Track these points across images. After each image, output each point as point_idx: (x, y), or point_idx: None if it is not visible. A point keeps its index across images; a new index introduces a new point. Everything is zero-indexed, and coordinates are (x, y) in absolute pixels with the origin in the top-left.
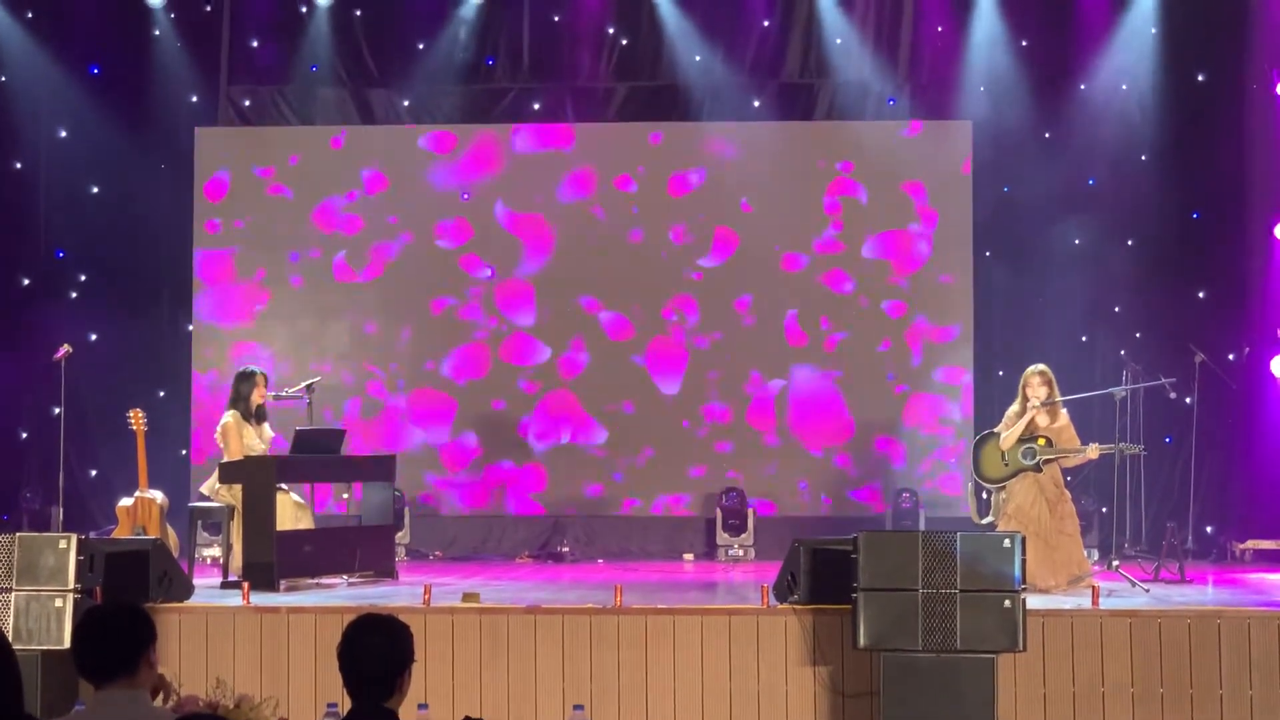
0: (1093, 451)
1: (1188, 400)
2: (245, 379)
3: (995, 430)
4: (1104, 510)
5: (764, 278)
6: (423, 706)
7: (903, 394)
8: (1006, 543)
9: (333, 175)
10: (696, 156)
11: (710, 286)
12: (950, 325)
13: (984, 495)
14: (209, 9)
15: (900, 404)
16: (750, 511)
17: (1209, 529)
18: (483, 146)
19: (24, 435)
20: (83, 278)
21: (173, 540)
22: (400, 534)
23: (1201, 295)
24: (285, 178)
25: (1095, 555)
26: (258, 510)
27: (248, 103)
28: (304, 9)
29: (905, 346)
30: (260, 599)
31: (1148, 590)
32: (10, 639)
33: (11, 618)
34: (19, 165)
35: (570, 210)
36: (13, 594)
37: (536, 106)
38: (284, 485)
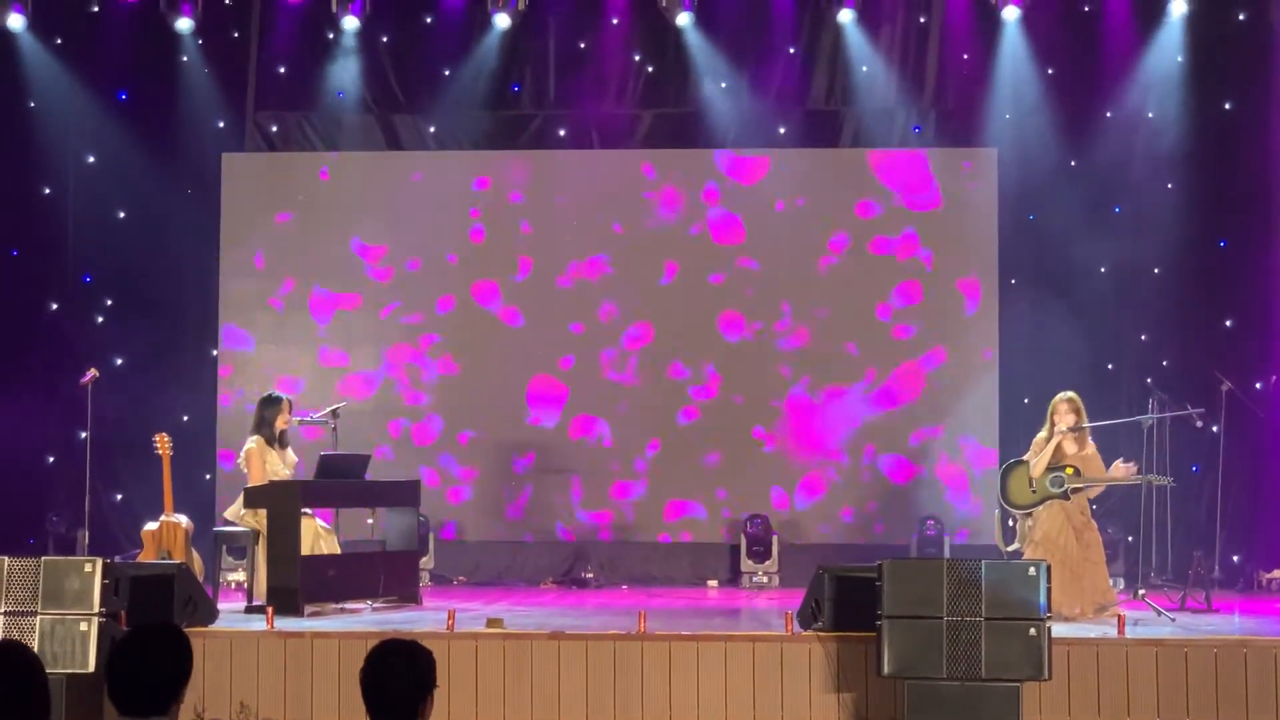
0: (1117, 469)
1: (1214, 429)
2: (270, 404)
3: (1023, 458)
4: (1130, 539)
5: (788, 305)
6: None
7: (927, 420)
8: (1032, 571)
9: (358, 200)
10: (722, 183)
11: (734, 314)
12: (975, 352)
13: (1009, 523)
14: (236, 35)
15: (925, 430)
16: (775, 538)
17: (1235, 558)
18: (509, 171)
19: (50, 459)
20: (110, 302)
21: (198, 564)
22: (424, 559)
23: (1228, 323)
24: (311, 203)
25: (1121, 584)
26: (282, 535)
27: (274, 128)
28: (331, 35)
29: (930, 373)
30: (284, 624)
31: (1174, 619)
32: None
33: (37, 641)
34: (48, 190)
35: (601, 237)
36: (38, 617)
37: (562, 133)
38: (308, 510)
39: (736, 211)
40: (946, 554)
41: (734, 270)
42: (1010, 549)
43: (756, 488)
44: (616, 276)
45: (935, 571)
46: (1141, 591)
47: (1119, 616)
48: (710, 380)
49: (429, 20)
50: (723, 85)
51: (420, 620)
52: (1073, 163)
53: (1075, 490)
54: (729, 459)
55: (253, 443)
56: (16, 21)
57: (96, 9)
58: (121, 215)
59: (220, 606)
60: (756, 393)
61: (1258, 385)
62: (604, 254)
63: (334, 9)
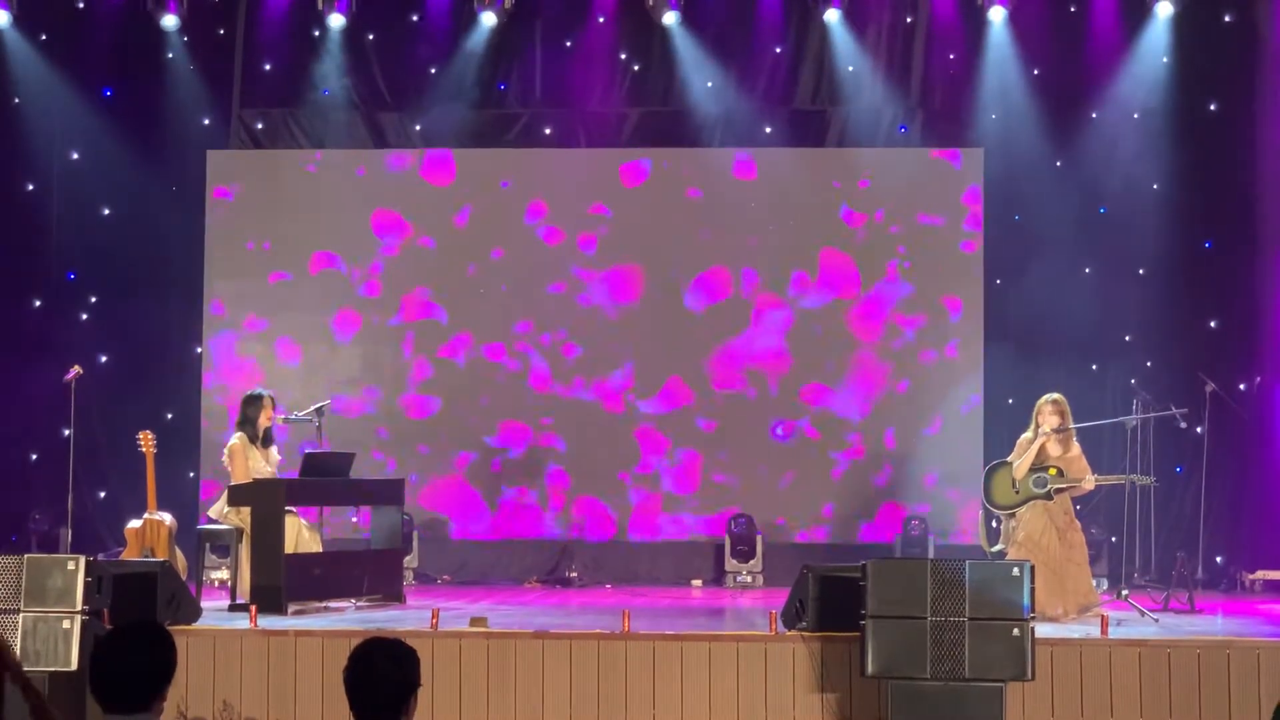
0: (1089, 483)
1: (1198, 429)
2: (253, 402)
3: (1006, 459)
4: (1113, 539)
5: (773, 304)
6: None
7: (912, 421)
8: (1015, 571)
9: (343, 198)
10: (708, 183)
11: (719, 313)
12: (960, 352)
13: (993, 523)
14: (222, 32)
15: (909, 430)
16: (759, 538)
17: (1219, 559)
18: (494, 169)
19: (34, 457)
20: (93, 299)
21: (181, 563)
22: (409, 558)
23: (1213, 324)
24: (296, 200)
25: (1104, 584)
26: (266, 533)
27: (260, 125)
28: (317, 32)
29: (915, 373)
30: (268, 622)
31: (1157, 620)
32: (18, 660)
33: (19, 639)
34: (31, 187)
35: (584, 236)
36: (20, 615)
37: (548, 131)
38: (293, 508)
39: (724, 211)
40: (930, 554)
41: (718, 271)
42: (994, 549)
43: (741, 487)
44: (601, 275)
45: (919, 572)
46: (1125, 592)
47: (1102, 617)
48: (694, 381)
49: (415, 18)
50: (709, 84)
51: (404, 619)
52: (1059, 163)
53: (1058, 491)
54: (713, 459)
55: (236, 440)
56: (1, 18)
57: (82, 5)
58: (106, 212)
59: (203, 605)
60: (740, 393)
61: (1242, 386)
62: (590, 251)
63: (320, 6)
